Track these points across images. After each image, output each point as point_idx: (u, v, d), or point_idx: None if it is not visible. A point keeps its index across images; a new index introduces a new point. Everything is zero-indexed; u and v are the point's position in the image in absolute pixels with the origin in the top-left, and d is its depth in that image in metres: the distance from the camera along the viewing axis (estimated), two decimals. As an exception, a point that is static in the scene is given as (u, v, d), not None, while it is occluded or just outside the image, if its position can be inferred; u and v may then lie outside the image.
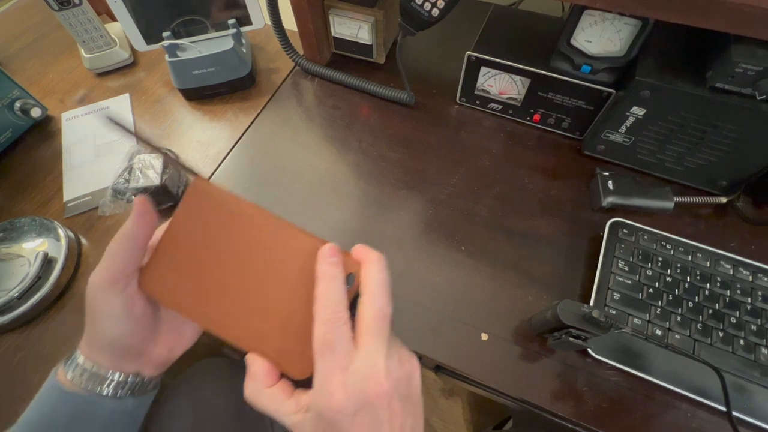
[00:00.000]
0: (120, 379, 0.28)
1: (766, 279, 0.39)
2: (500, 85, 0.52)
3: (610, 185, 0.46)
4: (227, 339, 0.25)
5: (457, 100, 0.57)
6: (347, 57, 0.62)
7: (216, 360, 0.60)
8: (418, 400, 0.26)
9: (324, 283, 0.24)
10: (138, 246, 0.26)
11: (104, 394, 0.28)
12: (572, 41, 0.43)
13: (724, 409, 0.34)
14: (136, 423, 0.31)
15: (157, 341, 0.29)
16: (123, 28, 0.55)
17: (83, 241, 0.47)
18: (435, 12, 0.43)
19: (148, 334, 0.29)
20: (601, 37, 0.42)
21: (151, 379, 0.30)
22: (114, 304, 0.26)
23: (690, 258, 0.41)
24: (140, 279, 0.26)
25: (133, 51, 0.66)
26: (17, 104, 0.54)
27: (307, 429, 0.23)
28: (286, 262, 0.26)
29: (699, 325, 0.38)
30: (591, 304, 0.39)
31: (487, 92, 0.53)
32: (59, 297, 0.43)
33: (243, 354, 0.26)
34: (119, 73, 0.64)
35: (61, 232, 0.45)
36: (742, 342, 0.37)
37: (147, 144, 0.26)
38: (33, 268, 0.42)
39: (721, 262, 0.40)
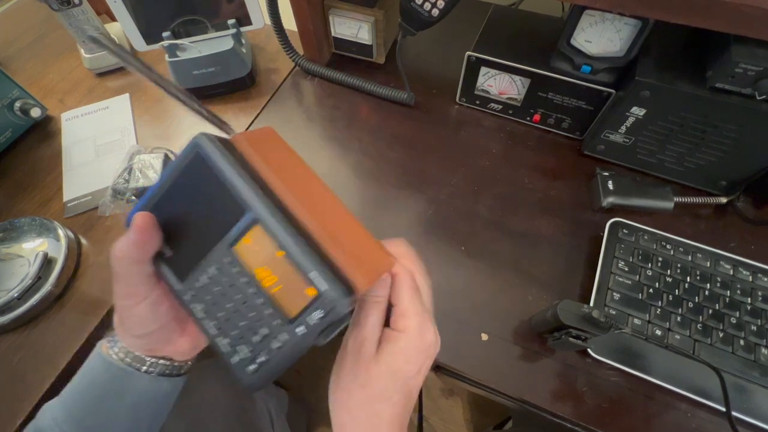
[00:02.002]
0: (154, 362, 0.30)
1: (766, 279, 0.39)
2: (500, 85, 0.52)
3: (610, 185, 0.46)
4: (307, 222, 0.23)
5: (457, 100, 0.57)
6: (347, 57, 0.61)
7: (216, 359, 0.60)
8: None
9: (403, 276, 0.27)
10: (146, 262, 0.26)
11: (144, 371, 0.30)
12: (572, 41, 0.43)
13: (723, 409, 0.34)
14: (170, 403, 0.34)
15: (182, 333, 0.31)
16: (123, 28, 0.55)
17: (83, 241, 0.47)
18: (435, 12, 0.43)
19: (175, 326, 0.30)
20: (601, 37, 0.42)
21: (181, 364, 0.32)
22: (138, 312, 0.27)
23: (690, 258, 0.41)
24: (237, 137, 0.26)
25: (133, 51, 0.66)
26: (17, 104, 0.54)
27: (398, 361, 0.26)
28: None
29: (699, 325, 0.38)
30: (591, 304, 0.39)
31: (487, 92, 0.53)
32: (59, 297, 0.43)
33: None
34: (119, 73, 0.64)
35: (60, 232, 0.45)
36: (742, 342, 0.37)
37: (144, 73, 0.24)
38: (33, 268, 0.42)
39: (721, 262, 0.40)
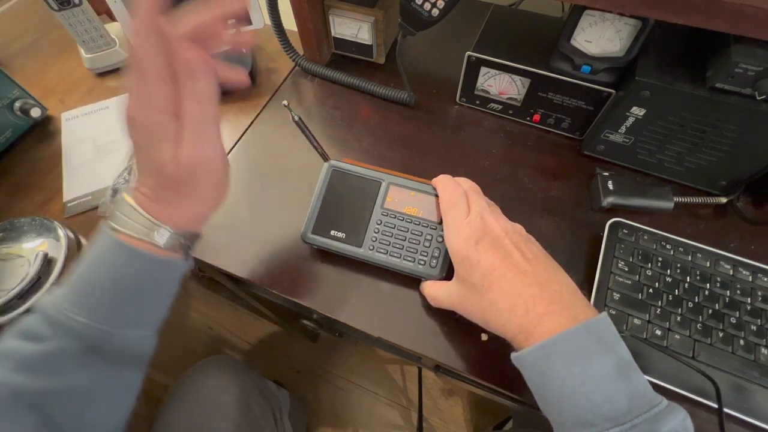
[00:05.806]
0: (171, 232, 0.30)
1: (766, 279, 0.39)
2: (500, 85, 0.52)
3: (610, 185, 0.46)
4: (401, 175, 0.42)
5: (457, 100, 0.57)
6: (347, 57, 0.61)
7: (219, 357, 0.61)
8: (542, 249, 0.34)
9: (442, 177, 0.40)
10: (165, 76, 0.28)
11: (159, 243, 0.30)
12: (572, 41, 0.43)
13: (724, 409, 0.34)
14: (176, 291, 0.33)
15: (195, 188, 0.31)
16: (123, 28, 0.55)
17: (83, 241, 0.47)
18: (435, 12, 0.43)
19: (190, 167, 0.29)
20: (601, 37, 0.42)
21: (191, 236, 0.32)
22: (165, 135, 0.28)
23: (690, 258, 0.41)
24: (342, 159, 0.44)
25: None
26: (17, 104, 0.54)
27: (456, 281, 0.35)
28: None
29: (699, 325, 0.38)
30: (591, 304, 0.39)
31: (487, 92, 0.53)
32: (59, 297, 0.43)
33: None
34: (119, 73, 0.64)
35: (60, 232, 0.45)
36: (742, 342, 0.37)
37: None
38: (33, 268, 0.42)
39: (721, 262, 0.40)
